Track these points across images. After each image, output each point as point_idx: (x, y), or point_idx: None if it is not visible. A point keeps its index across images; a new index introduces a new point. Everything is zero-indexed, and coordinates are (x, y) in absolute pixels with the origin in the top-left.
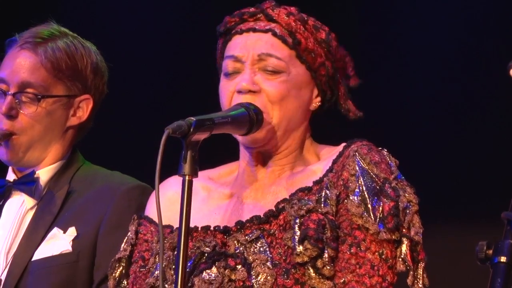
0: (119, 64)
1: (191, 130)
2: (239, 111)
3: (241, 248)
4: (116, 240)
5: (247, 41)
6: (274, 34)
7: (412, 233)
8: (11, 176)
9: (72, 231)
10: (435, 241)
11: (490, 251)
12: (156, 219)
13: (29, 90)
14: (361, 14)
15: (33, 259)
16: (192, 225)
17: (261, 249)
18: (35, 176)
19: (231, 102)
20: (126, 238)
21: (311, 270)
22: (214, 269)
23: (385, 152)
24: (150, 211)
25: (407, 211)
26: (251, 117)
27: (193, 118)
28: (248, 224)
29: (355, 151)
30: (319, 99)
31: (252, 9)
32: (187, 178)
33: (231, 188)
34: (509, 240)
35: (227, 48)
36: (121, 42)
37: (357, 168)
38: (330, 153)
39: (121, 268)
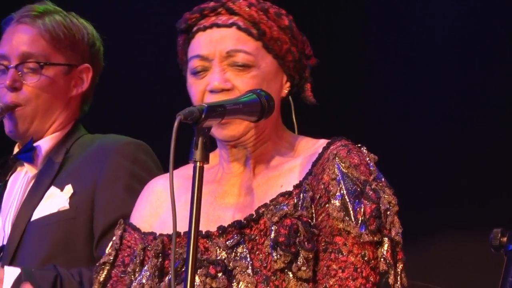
0: (126, 51)
1: (203, 116)
2: (251, 98)
3: (222, 254)
4: (113, 193)
5: (212, 38)
6: (239, 28)
7: (393, 233)
8: None
9: (68, 189)
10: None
11: (505, 239)
12: (139, 226)
13: (30, 60)
14: (364, 12)
15: (32, 219)
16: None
17: (242, 255)
18: (34, 144)
19: (203, 101)
20: (111, 242)
21: (290, 275)
22: (195, 277)
23: (364, 150)
24: (135, 217)
25: (388, 213)
26: (262, 104)
27: (204, 104)
28: (229, 229)
29: (335, 154)
30: (288, 84)
31: (212, 4)
32: (198, 164)
33: (209, 185)
34: None
35: (191, 46)
36: (134, 23)
37: (337, 172)
38: (308, 148)
39: (105, 272)
